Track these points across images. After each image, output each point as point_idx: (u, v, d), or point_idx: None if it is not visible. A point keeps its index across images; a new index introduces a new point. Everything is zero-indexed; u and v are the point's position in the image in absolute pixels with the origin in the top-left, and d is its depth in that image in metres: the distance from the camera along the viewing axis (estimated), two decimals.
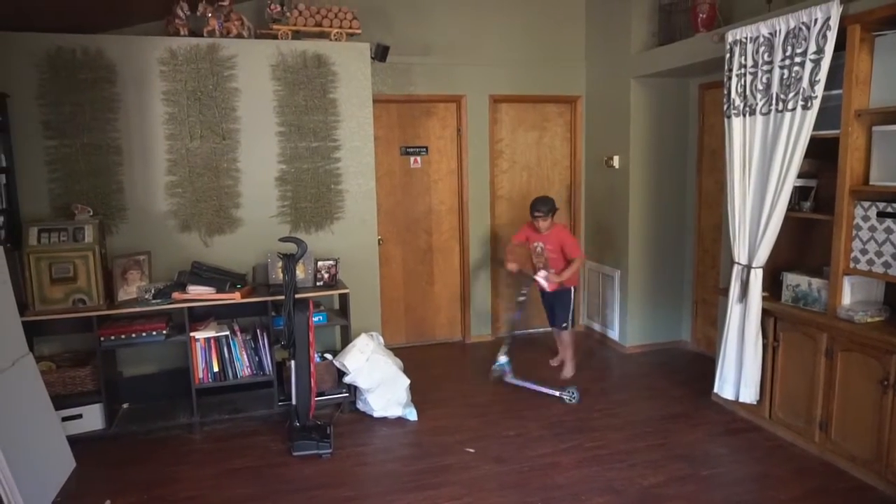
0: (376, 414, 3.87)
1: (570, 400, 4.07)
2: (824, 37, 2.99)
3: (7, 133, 3.60)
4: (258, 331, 3.89)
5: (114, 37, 3.87)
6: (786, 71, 3.21)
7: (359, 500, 2.99)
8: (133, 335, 3.60)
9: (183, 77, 3.91)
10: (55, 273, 3.45)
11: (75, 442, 3.37)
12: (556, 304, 4.45)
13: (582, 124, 5.53)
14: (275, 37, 4.10)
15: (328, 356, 4.10)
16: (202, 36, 3.95)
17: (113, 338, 3.57)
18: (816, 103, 3.07)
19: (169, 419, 3.75)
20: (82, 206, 3.67)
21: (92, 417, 3.59)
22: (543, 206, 4.30)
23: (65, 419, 3.44)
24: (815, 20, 3.02)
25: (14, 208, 3.63)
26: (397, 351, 4.36)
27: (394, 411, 3.88)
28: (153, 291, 3.67)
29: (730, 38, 3.52)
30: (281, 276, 3.74)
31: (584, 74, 5.45)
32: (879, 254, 2.95)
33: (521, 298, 4.41)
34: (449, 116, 5.25)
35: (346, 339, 4.05)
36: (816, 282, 3.30)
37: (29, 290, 3.43)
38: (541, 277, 4.23)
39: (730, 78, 3.54)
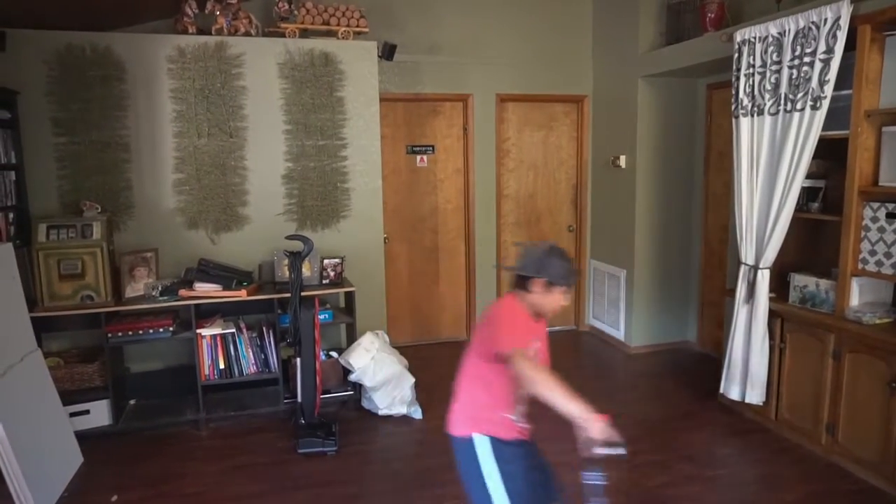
0: (381, 412, 3.87)
1: None
2: (834, 36, 2.97)
3: (16, 130, 3.61)
4: (264, 328, 3.90)
5: (123, 35, 3.88)
6: (795, 71, 3.19)
7: (363, 498, 2.99)
8: (140, 332, 3.62)
9: (191, 75, 3.92)
10: (63, 269, 3.47)
11: (83, 437, 3.39)
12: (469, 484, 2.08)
13: (588, 124, 5.52)
14: (282, 35, 4.11)
15: (334, 354, 4.10)
16: (210, 34, 3.96)
17: (120, 334, 3.59)
18: (825, 103, 3.05)
19: (175, 415, 3.77)
20: (91, 203, 3.69)
21: (99, 413, 3.61)
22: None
23: (72, 415, 3.45)
24: (825, 20, 3.00)
25: (23, 205, 3.65)
26: (402, 349, 4.36)
27: (399, 409, 3.88)
28: (160, 288, 3.69)
29: (738, 37, 3.51)
30: (287, 273, 3.75)
31: (591, 74, 5.43)
32: (888, 255, 2.93)
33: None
34: (455, 115, 5.25)
35: (352, 338, 4.06)
36: (824, 283, 3.28)
37: (38, 286, 3.45)
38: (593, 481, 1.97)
39: (738, 78, 3.52)
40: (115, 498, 2.99)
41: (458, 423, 2.08)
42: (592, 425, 1.75)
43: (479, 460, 2.03)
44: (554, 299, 2.01)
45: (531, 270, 1.99)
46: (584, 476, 1.95)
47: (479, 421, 2.04)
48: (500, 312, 2.05)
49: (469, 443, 2.04)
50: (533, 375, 1.83)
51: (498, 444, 2.02)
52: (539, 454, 2.17)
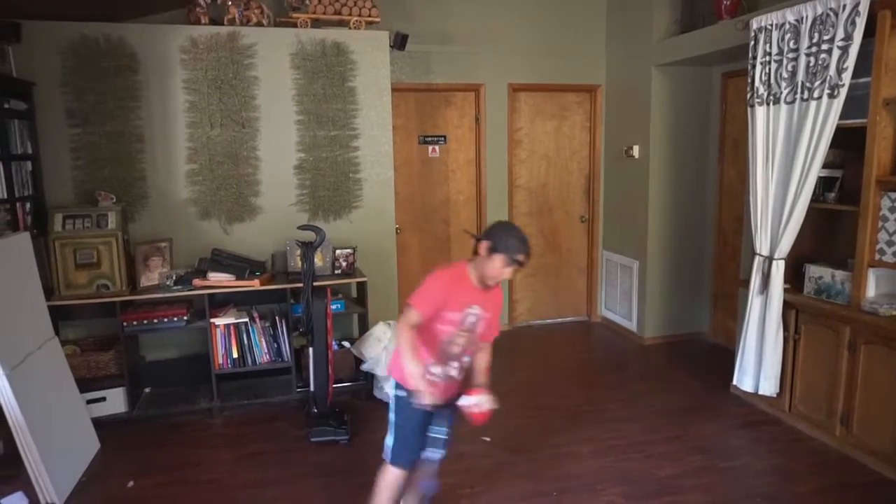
0: None
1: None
2: (853, 23, 2.92)
3: (32, 121, 3.65)
4: (277, 318, 3.93)
5: (136, 25, 3.90)
6: (812, 58, 3.14)
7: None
8: (155, 321, 3.66)
9: (203, 65, 3.93)
10: (79, 259, 3.52)
11: (99, 424, 3.45)
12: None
13: (602, 113, 5.47)
14: (294, 25, 4.11)
15: (346, 344, 4.13)
16: (223, 24, 3.97)
17: (135, 323, 3.64)
18: (843, 91, 3.00)
19: (189, 403, 3.82)
20: (106, 194, 3.72)
21: (115, 400, 3.66)
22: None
23: (89, 402, 3.51)
24: (844, 6, 2.95)
25: (39, 195, 3.69)
26: None
27: None
28: (174, 278, 3.73)
29: (754, 24, 3.45)
30: (299, 263, 3.77)
31: (604, 63, 5.38)
32: None
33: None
34: (467, 105, 5.22)
35: (364, 328, 4.08)
36: (840, 274, 3.24)
37: (54, 275, 3.49)
38: (472, 401, 2.24)
39: (754, 66, 3.47)
40: (131, 483, 3.04)
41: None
42: (421, 392, 2.01)
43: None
44: (494, 266, 2.13)
45: (482, 234, 2.20)
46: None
47: (397, 367, 2.24)
48: (431, 274, 2.21)
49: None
50: (399, 330, 2.08)
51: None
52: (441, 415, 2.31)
